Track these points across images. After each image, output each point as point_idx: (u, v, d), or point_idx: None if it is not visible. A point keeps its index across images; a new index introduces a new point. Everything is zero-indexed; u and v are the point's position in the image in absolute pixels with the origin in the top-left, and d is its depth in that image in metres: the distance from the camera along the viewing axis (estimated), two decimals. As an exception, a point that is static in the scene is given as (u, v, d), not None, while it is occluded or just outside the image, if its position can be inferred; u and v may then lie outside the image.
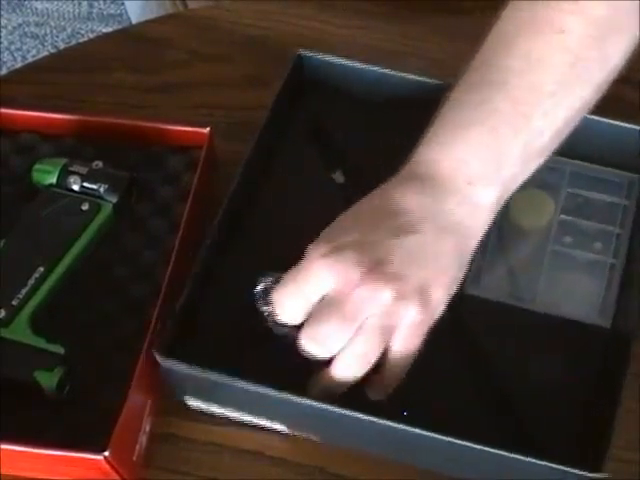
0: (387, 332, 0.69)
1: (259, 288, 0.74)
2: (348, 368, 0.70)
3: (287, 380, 0.73)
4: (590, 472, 0.70)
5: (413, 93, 0.87)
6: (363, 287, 0.68)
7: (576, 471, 0.70)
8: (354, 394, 0.74)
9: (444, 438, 0.71)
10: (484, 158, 0.72)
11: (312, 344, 0.70)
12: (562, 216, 0.86)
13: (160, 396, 0.80)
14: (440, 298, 0.70)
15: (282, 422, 0.79)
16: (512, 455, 0.71)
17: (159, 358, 0.75)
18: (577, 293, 0.83)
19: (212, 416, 0.81)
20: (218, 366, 0.75)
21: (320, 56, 0.89)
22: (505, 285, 0.84)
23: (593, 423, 0.76)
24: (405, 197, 0.71)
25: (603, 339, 0.81)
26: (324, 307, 0.69)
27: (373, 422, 0.72)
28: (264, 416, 0.79)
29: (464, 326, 0.83)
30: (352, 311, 0.68)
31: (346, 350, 0.70)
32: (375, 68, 0.88)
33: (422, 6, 1.02)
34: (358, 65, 0.89)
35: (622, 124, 0.84)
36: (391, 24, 1.02)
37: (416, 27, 1.02)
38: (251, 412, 0.79)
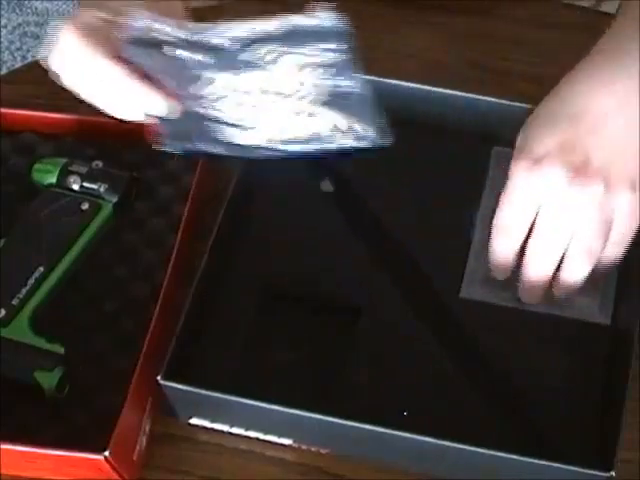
0: (607, 225, 0.71)
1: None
2: (578, 266, 0.72)
3: (292, 396, 0.74)
4: (602, 472, 0.70)
5: (401, 99, 0.87)
6: (573, 189, 0.70)
7: (589, 471, 0.70)
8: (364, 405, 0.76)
9: (453, 445, 0.72)
10: None
11: (541, 257, 0.72)
12: None
13: (160, 396, 0.80)
14: None
15: (290, 437, 0.79)
16: (519, 457, 0.71)
17: (165, 383, 0.75)
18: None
19: (216, 431, 0.81)
20: (224, 386, 0.75)
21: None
22: (502, 287, 0.83)
23: (598, 422, 0.76)
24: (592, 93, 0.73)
25: (604, 336, 0.81)
26: (544, 220, 0.71)
27: (385, 434, 0.72)
28: (272, 432, 0.79)
29: (464, 330, 0.83)
30: (571, 211, 0.71)
31: (573, 249, 0.71)
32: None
33: (423, 6, 1.02)
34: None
35: None
36: (391, 24, 1.02)
37: (416, 27, 1.02)
38: (258, 429, 0.79)
